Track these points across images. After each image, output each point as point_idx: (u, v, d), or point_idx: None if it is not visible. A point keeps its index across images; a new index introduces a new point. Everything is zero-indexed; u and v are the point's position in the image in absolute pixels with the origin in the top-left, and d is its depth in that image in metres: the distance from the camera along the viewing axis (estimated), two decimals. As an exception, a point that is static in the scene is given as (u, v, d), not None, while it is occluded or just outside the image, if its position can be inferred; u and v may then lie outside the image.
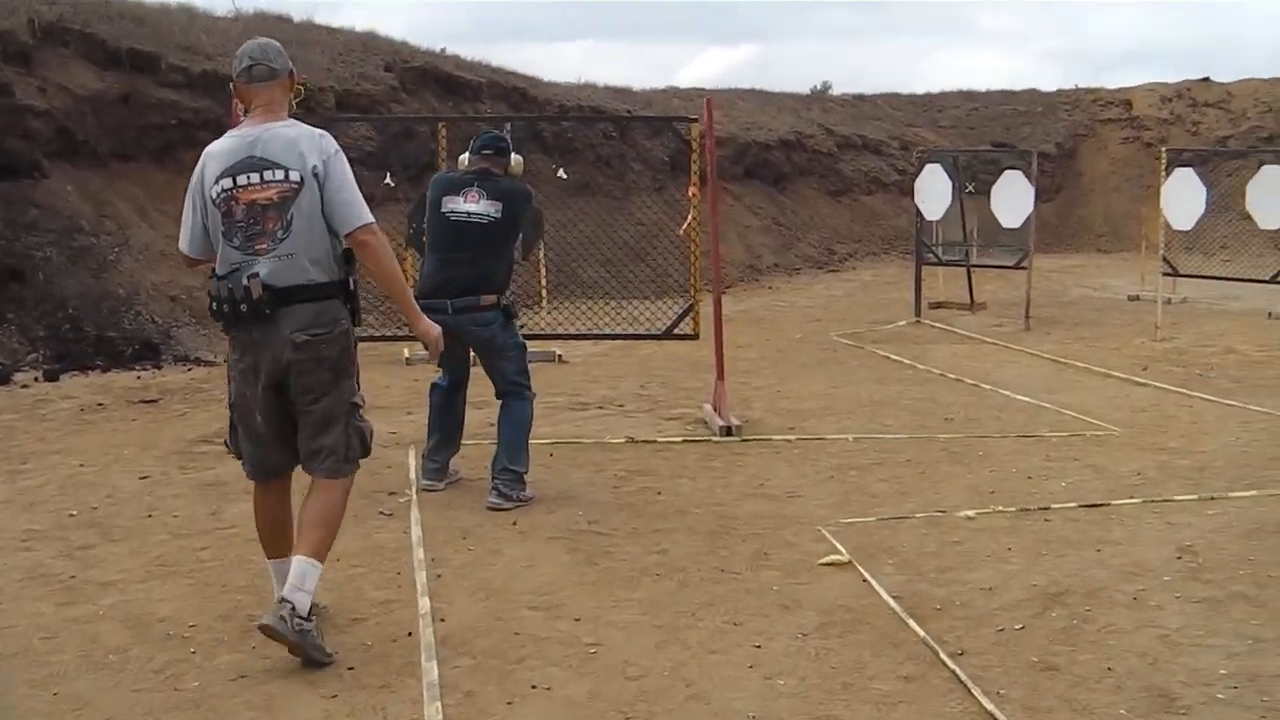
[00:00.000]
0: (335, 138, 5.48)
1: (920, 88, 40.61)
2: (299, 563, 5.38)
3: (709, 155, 10.45)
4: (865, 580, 6.34)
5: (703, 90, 32.68)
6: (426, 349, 5.94)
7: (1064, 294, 22.50)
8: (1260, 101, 35.71)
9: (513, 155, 8.32)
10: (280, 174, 5.33)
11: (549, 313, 15.66)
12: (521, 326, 16.04)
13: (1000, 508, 7.74)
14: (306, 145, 5.37)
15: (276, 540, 5.73)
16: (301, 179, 5.32)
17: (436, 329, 5.88)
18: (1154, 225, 18.20)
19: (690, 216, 10.60)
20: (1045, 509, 7.72)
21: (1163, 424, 10.51)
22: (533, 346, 14.35)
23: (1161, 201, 16.84)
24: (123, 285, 15.46)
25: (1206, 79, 37.40)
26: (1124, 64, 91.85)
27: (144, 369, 13.74)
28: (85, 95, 17.42)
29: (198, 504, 7.98)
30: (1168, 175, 16.91)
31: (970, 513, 7.62)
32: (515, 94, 25.54)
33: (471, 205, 7.92)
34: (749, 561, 6.72)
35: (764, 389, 12.30)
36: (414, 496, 8.06)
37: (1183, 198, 16.68)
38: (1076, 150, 36.85)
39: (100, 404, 11.75)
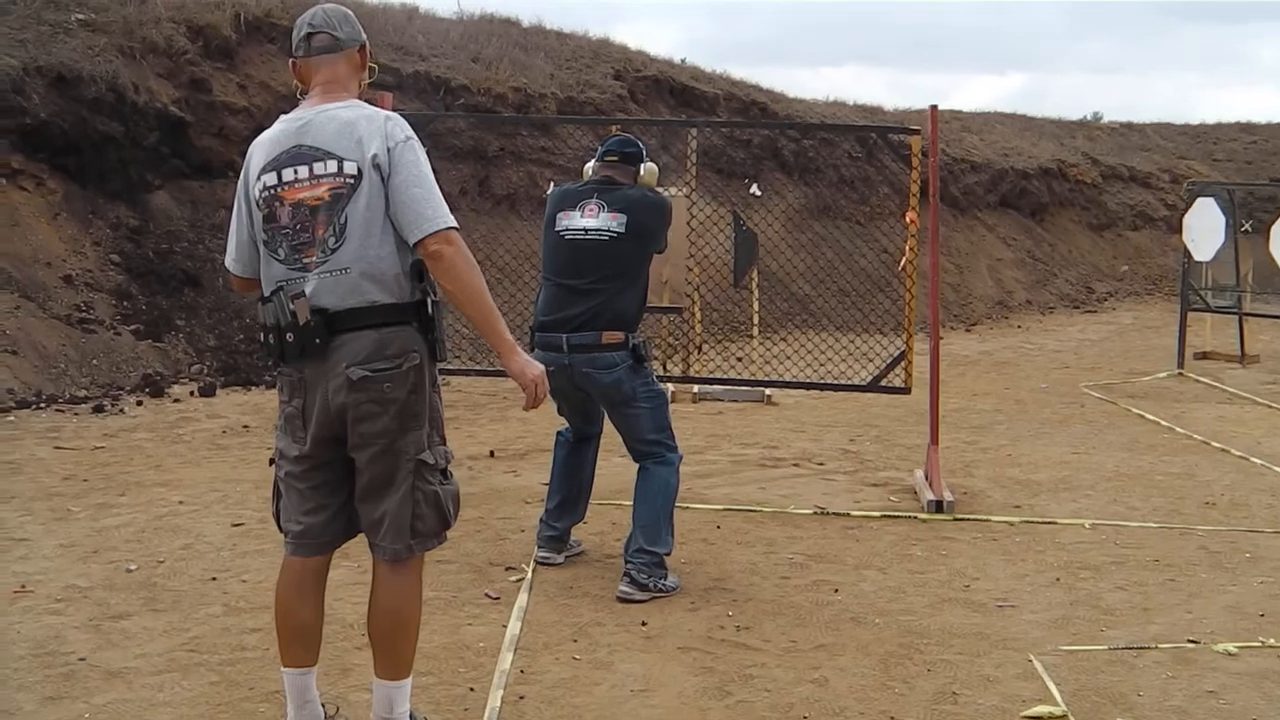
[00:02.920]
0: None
1: (1189, 119, 38.17)
2: (381, 688, 4.37)
3: (932, 174, 8.84)
4: (1083, 749, 4.73)
5: (959, 113, 30.99)
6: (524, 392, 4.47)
7: (1349, 349, 20.11)
8: None
9: (646, 164, 6.81)
10: (333, 165, 4.18)
11: (761, 345, 14.13)
12: (739, 359, 14.99)
13: (1273, 641, 5.97)
14: (366, 130, 4.19)
15: (297, 645, 4.44)
16: (359, 171, 4.16)
17: (537, 368, 4.42)
18: None
19: (908, 249, 8.96)
20: (1333, 646, 5.96)
21: None
22: (740, 387, 13.05)
23: None
24: (309, 295, 14.48)
25: None
26: None
27: (312, 387, 12.64)
28: (288, 94, 16.52)
29: (275, 567, 6.66)
30: None
31: (1232, 647, 5.87)
32: (755, 108, 24.16)
33: (589, 220, 6.45)
34: (930, 706, 5.11)
35: (992, 451, 10.59)
36: (530, 575, 6.64)
37: None
38: (1365, 189, 33.85)
39: (245, 425, 10.69)
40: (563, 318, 6.40)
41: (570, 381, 6.43)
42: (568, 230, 6.50)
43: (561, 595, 6.37)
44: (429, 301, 4.28)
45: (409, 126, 4.26)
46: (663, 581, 6.42)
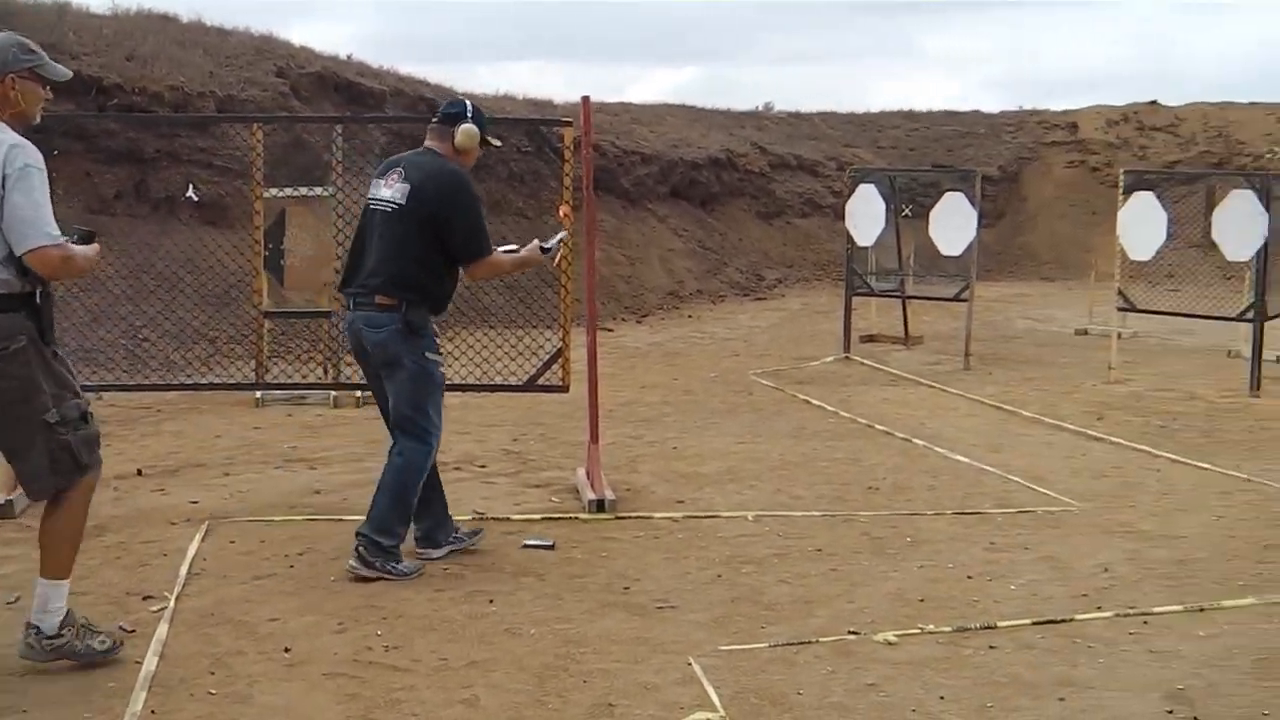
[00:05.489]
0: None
1: (862, 108, 38.94)
2: (41, 587, 5.21)
3: (585, 164, 8.61)
4: (740, 758, 4.52)
5: (630, 106, 31.06)
6: None
7: (1007, 326, 20.65)
8: (1210, 126, 33.98)
9: (464, 126, 6.67)
10: None
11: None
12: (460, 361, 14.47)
13: (931, 627, 5.90)
14: None
15: None
16: None
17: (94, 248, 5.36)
18: (1106, 253, 16.46)
19: (559, 244, 8.65)
20: (990, 628, 5.90)
21: (1127, 494, 8.78)
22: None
23: (1118, 228, 14.94)
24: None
25: (1154, 102, 35.70)
26: (1069, 91, 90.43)
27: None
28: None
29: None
30: (1125, 200, 15.02)
31: (892, 636, 5.78)
32: (423, 104, 23.63)
33: (386, 190, 6.63)
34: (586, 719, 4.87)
35: (658, 445, 10.43)
36: (173, 603, 6.15)
37: (1143, 224, 14.71)
38: (1020, 173, 35.02)
39: None
40: (353, 281, 6.65)
41: (358, 341, 6.59)
42: (373, 199, 6.69)
43: (204, 624, 5.91)
44: (38, 293, 5.08)
45: (32, 154, 4.99)
46: (394, 564, 6.50)
